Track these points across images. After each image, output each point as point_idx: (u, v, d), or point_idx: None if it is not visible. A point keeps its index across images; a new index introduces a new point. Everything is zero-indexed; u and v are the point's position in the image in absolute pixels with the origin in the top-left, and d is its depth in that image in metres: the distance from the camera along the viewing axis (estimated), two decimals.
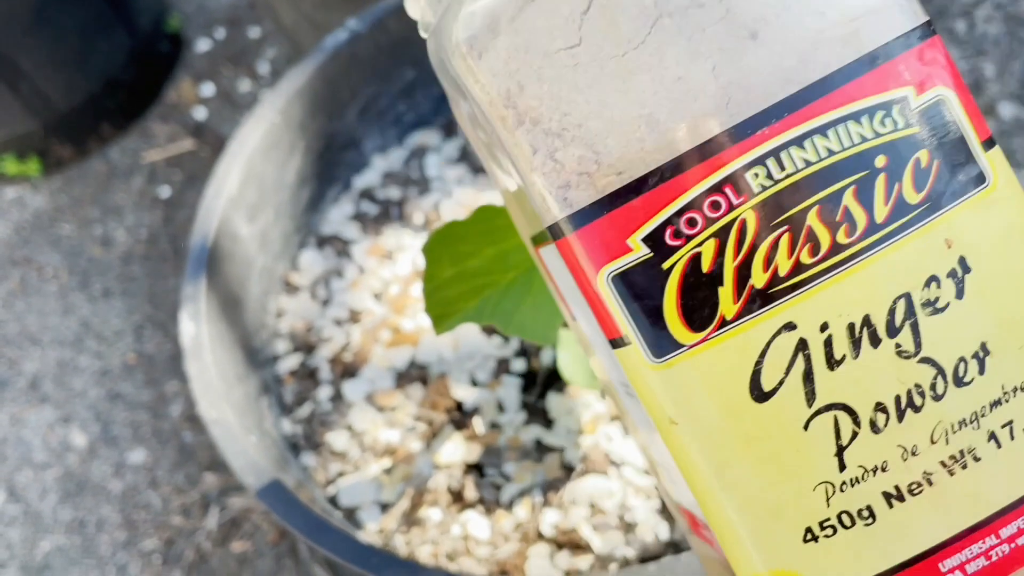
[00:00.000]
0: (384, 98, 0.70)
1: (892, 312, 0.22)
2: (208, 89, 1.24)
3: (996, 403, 0.22)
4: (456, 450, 0.56)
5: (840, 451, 0.22)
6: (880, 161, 0.22)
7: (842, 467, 0.22)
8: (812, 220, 0.22)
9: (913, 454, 0.22)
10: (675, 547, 0.50)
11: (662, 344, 0.23)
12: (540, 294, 0.43)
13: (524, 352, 0.60)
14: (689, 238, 0.22)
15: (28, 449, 0.98)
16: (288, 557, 0.86)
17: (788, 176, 0.22)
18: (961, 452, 0.22)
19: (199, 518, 0.90)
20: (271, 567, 0.86)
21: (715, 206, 0.22)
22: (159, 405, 0.98)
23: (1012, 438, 0.23)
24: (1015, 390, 0.23)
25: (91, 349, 1.03)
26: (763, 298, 0.22)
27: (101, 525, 0.92)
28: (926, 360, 0.22)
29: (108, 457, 0.96)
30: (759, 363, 0.22)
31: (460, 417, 0.57)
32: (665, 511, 0.52)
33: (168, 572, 0.88)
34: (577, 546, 0.51)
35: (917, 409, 0.22)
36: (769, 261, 0.22)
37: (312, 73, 0.64)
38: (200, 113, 1.22)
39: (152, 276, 1.08)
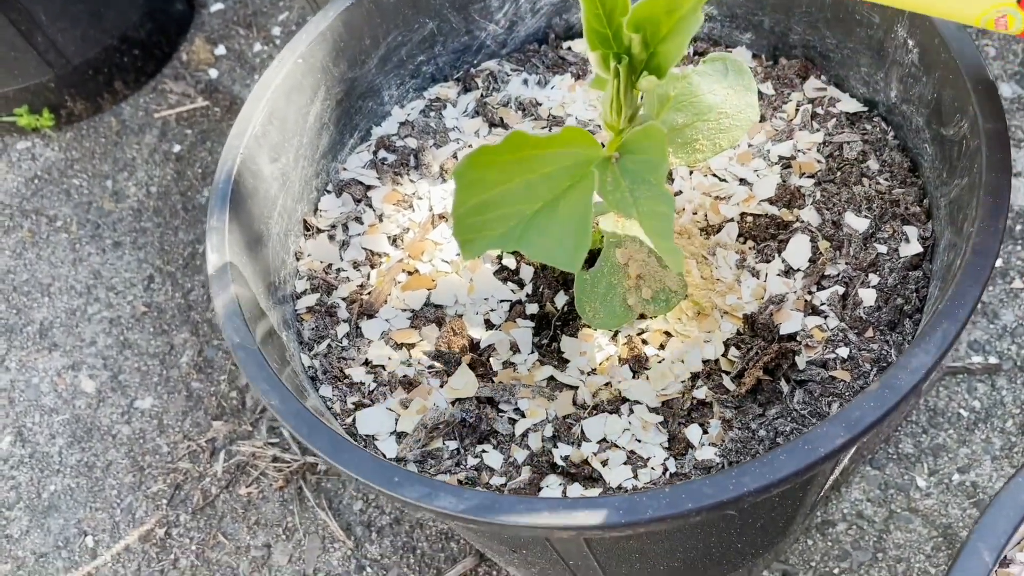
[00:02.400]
0: (404, 48, 0.71)
1: None
2: (220, 50, 1.25)
3: None
4: (471, 386, 0.57)
5: None
6: None
7: None
8: None
9: None
10: (684, 478, 0.51)
11: None
12: (566, 223, 0.45)
13: (537, 297, 0.61)
14: None
15: (36, 394, 0.99)
16: (293, 502, 0.88)
17: None
18: None
19: (206, 463, 0.91)
20: (277, 511, 0.87)
21: None
22: (168, 354, 0.99)
23: None
24: None
25: (101, 299, 1.05)
26: None
27: (108, 468, 0.93)
28: None
29: (116, 403, 0.97)
30: None
31: (475, 356, 0.59)
32: (673, 446, 0.53)
33: (175, 515, 0.89)
34: (588, 478, 0.53)
35: None
36: None
37: (335, 18, 0.65)
38: (212, 73, 1.23)
39: (163, 230, 1.09)
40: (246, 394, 0.95)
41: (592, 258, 0.57)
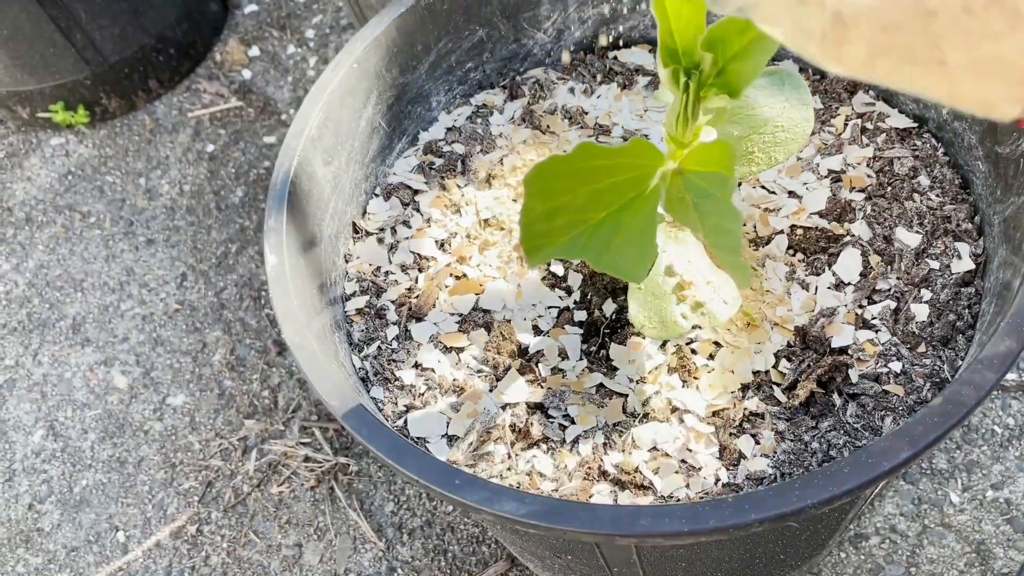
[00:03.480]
0: (454, 55, 0.71)
1: None
2: (254, 51, 1.26)
3: None
4: (520, 391, 0.57)
5: None
6: None
7: None
8: None
9: None
10: (736, 489, 0.52)
11: None
12: (630, 233, 0.45)
13: (585, 304, 0.62)
14: None
15: (69, 388, 0.99)
16: (324, 502, 0.88)
17: None
18: None
19: (238, 462, 0.92)
20: (308, 511, 0.88)
21: None
22: (200, 352, 1.00)
23: None
24: None
25: (134, 295, 1.05)
26: None
27: (140, 464, 0.94)
28: None
29: (149, 400, 0.97)
30: None
31: (524, 362, 0.59)
32: (724, 456, 0.54)
33: (206, 512, 0.90)
34: (639, 486, 0.53)
35: None
36: None
37: (390, 24, 0.66)
38: (246, 74, 1.24)
39: (196, 228, 1.10)
40: (278, 393, 0.95)
41: None
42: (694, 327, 0.57)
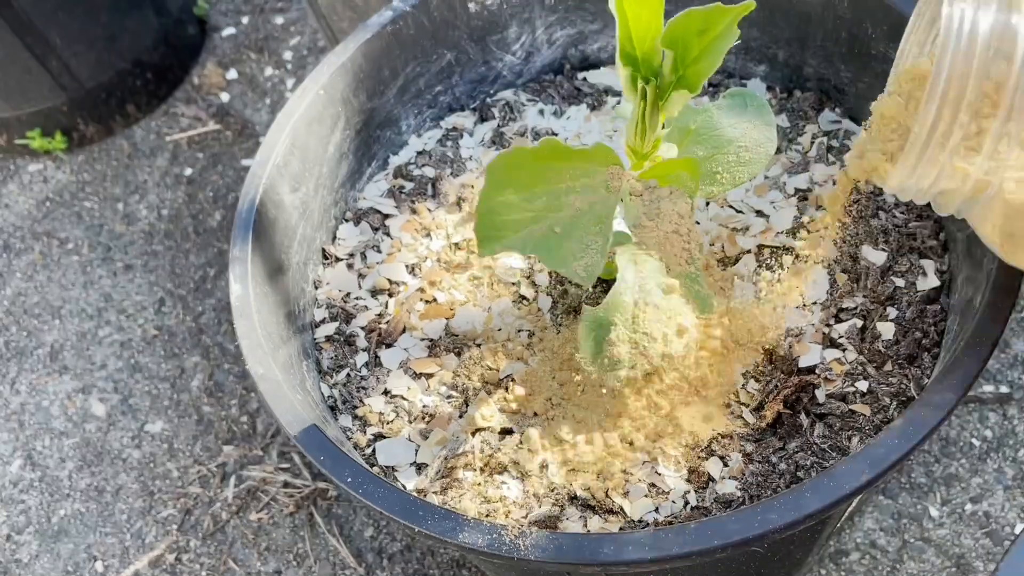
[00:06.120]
0: (423, 79, 0.71)
1: None
2: (232, 74, 1.26)
3: None
4: (490, 416, 0.57)
5: None
6: None
7: None
8: None
9: None
10: (704, 512, 0.51)
11: None
12: (584, 237, 0.45)
13: (556, 327, 0.62)
14: None
15: (47, 417, 0.99)
16: (304, 528, 0.87)
17: None
18: None
19: (217, 488, 0.91)
20: (287, 537, 0.87)
21: None
22: (179, 378, 0.99)
23: None
24: None
25: (112, 322, 1.05)
26: None
27: (118, 493, 0.93)
28: None
29: (127, 427, 0.97)
30: None
31: (494, 386, 0.59)
32: (692, 479, 0.53)
33: (185, 540, 0.89)
34: (609, 511, 0.53)
35: None
36: None
37: (356, 50, 0.66)
38: (224, 97, 1.24)
39: (174, 253, 1.09)
40: (257, 419, 0.95)
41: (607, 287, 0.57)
42: (633, 366, 0.54)
